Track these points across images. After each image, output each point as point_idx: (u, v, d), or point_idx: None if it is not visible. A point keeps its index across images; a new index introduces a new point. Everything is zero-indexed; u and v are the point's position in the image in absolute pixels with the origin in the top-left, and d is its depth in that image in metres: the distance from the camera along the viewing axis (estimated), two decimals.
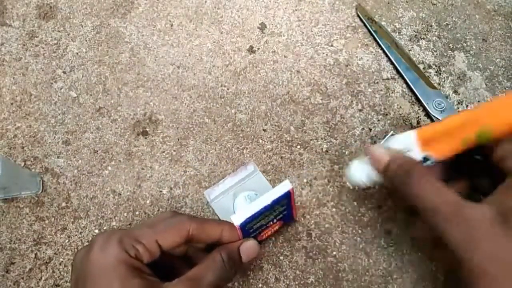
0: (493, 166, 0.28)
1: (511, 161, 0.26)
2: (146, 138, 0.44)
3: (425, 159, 0.32)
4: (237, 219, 0.33)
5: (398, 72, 0.47)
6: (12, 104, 0.45)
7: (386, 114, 0.45)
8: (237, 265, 0.33)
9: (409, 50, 0.48)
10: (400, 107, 0.46)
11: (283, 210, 0.36)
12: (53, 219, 0.41)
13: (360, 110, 0.46)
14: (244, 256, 0.34)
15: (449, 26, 0.50)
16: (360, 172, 0.35)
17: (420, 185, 0.27)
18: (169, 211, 0.34)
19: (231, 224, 0.33)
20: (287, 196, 0.34)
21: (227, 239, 0.34)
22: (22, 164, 0.43)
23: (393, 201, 0.41)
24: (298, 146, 0.44)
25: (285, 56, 0.48)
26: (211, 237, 0.33)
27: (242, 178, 0.41)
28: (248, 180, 0.42)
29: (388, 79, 0.47)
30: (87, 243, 0.37)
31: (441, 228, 0.25)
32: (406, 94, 0.46)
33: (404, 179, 0.28)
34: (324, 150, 0.44)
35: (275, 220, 0.37)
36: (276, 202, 0.33)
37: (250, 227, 0.34)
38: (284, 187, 0.33)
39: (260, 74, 0.47)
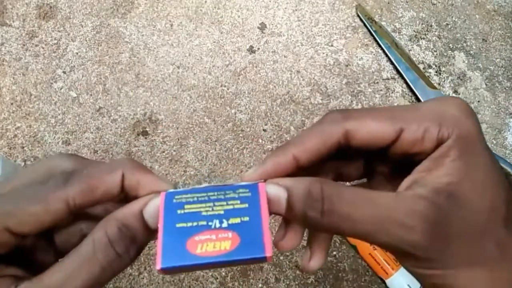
0: (394, 155, 0.22)
1: (426, 142, 0.21)
2: (146, 138, 0.44)
3: None
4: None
5: (398, 72, 0.47)
6: (12, 104, 0.45)
7: None
8: (141, 238, 0.19)
9: (409, 50, 0.48)
10: None
11: (241, 212, 0.21)
12: None
13: None
14: (150, 218, 0.20)
15: (449, 26, 0.50)
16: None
17: (345, 207, 0.19)
18: (61, 155, 0.21)
19: (133, 161, 0.20)
20: (252, 190, 0.21)
21: (137, 188, 0.20)
22: (22, 164, 0.43)
23: None
24: None
25: (285, 56, 0.48)
26: (109, 191, 0.20)
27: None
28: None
29: (388, 79, 0.47)
30: None
31: (397, 237, 0.19)
32: (406, 94, 0.46)
33: (320, 212, 0.20)
34: None
35: (224, 223, 0.21)
36: (231, 188, 0.22)
37: (180, 205, 0.21)
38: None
39: (260, 74, 0.47)
